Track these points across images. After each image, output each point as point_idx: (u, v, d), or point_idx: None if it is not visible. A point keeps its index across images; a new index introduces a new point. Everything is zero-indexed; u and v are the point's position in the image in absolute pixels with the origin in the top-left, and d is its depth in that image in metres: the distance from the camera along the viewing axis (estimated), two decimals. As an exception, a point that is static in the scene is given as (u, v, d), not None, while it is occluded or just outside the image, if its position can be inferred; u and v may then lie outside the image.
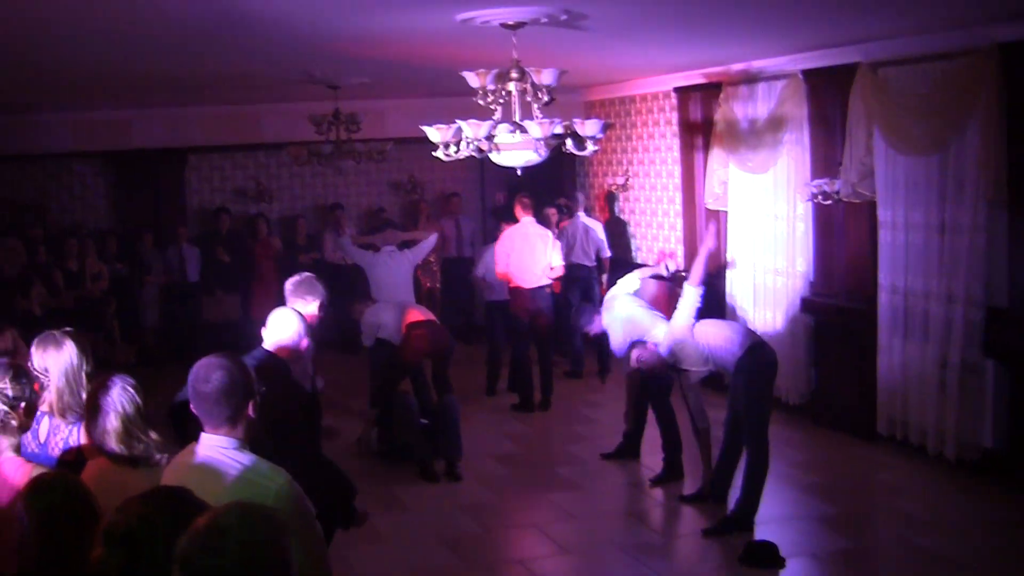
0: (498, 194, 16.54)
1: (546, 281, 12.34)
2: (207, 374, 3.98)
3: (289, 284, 6.59)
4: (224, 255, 15.07)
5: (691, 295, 8.68)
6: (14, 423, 4.49)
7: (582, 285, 13.32)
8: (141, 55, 8.82)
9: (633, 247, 14.88)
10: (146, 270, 14.90)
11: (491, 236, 16.25)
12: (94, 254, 14.25)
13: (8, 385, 4.51)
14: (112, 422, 4.41)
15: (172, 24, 7.17)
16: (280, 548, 2.77)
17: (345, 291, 13.07)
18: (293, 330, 6.01)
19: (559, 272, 12.44)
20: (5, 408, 4.46)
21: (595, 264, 13.62)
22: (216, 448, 3.98)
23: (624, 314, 9.34)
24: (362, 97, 13.32)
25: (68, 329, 5.43)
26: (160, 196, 15.55)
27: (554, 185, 15.59)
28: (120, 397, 4.45)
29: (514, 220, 12.50)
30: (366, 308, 10.70)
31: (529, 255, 12.17)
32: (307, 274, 6.66)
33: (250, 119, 15.14)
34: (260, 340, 6.02)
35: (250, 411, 4.05)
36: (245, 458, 3.96)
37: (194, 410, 4.04)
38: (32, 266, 13.72)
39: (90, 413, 4.49)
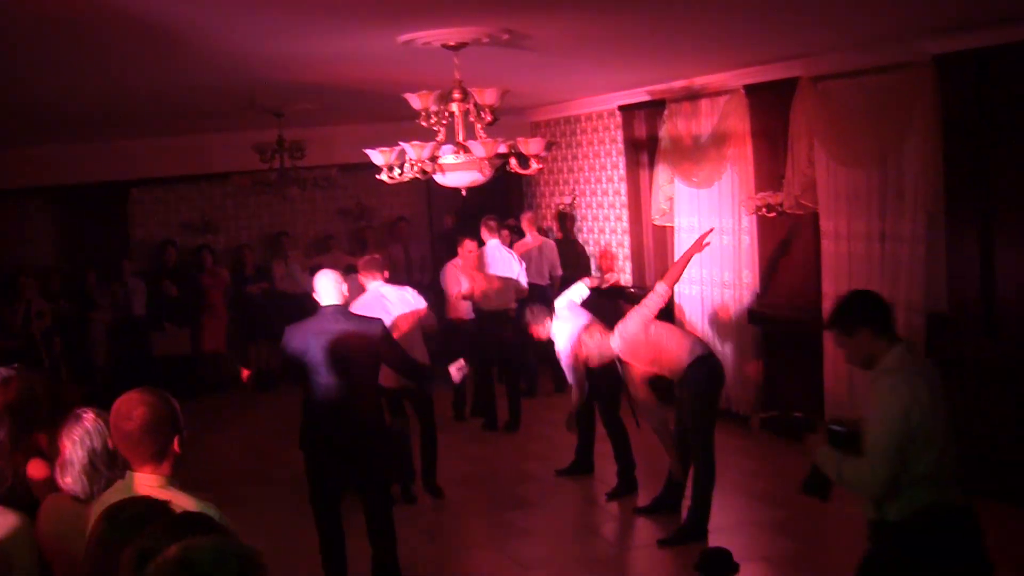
0: (446, 217, 16.56)
1: (512, 305, 12.21)
2: (129, 411, 3.85)
3: None
4: (171, 288, 14.91)
5: (661, 293, 8.74)
6: None
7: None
8: (79, 83, 8.76)
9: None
10: (92, 307, 14.64)
11: (441, 261, 16.28)
12: (37, 292, 14.00)
13: None
14: (78, 454, 4.23)
15: (110, 49, 7.11)
16: None
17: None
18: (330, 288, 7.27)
19: (524, 294, 12.24)
20: None
21: (548, 283, 13.53)
22: (143, 487, 3.85)
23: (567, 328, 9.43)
24: (307, 124, 13.33)
25: (16, 365, 5.31)
26: (104, 231, 15.33)
27: (502, 206, 15.66)
28: (92, 430, 4.25)
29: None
30: None
31: (497, 279, 12.15)
32: None
33: (193, 150, 15.02)
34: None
35: (176, 447, 3.93)
36: (175, 496, 3.78)
37: (118, 448, 3.92)
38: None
39: (56, 447, 4.33)
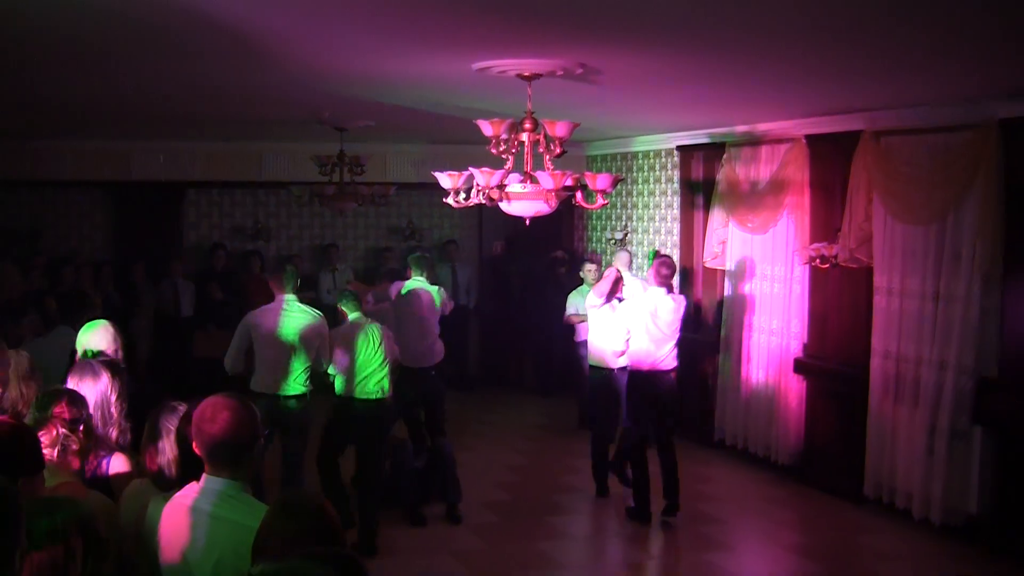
0: (496, 243, 16.64)
1: (672, 364, 10.05)
2: (214, 414, 3.89)
3: None
4: (218, 292, 15.03)
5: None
6: (75, 447, 4.40)
7: None
8: (151, 83, 8.84)
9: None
10: (138, 301, 14.78)
11: (487, 285, 16.29)
12: (90, 283, 14.09)
13: (65, 409, 4.44)
14: (172, 445, 4.35)
15: (189, 55, 7.17)
16: None
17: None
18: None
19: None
20: (65, 431, 4.38)
21: None
22: (220, 492, 3.91)
23: None
24: (364, 140, 13.43)
25: (105, 359, 5.40)
26: (157, 229, 15.51)
27: (554, 236, 15.73)
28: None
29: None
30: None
31: (659, 332, 9.98)
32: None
33: (251, 156, 15.25)
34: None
35: (255, 453, 3.99)
36: (249, 503, 3.89)
37: (197, 450, 3.96)
38: (26, 293, 13.52)
39: (149, 435, 4.44)
